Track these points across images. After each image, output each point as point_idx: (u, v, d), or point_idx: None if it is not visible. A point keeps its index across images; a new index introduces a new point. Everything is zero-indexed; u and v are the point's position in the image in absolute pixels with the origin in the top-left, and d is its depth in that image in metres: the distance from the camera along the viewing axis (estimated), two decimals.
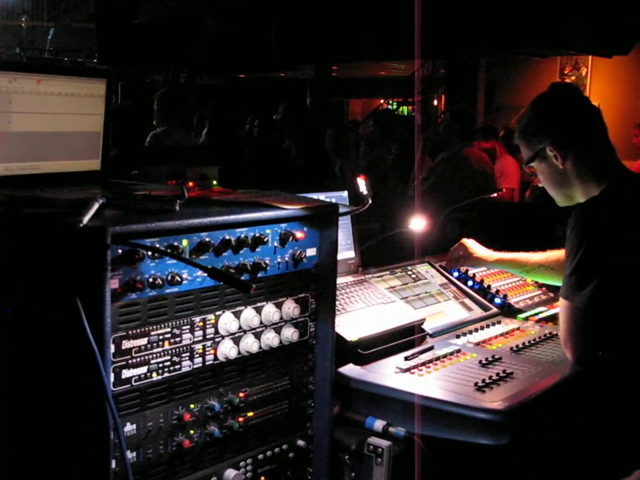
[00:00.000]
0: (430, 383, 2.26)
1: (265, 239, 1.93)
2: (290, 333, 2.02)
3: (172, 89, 11.95)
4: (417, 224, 3.17)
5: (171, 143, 5.73)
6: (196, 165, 2.52)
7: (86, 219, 1.55)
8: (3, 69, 1.94)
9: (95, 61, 14.20)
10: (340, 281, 2.61)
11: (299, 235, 2.00)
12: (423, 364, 2.37)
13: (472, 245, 3.04)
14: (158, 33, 14.16)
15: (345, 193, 2.90)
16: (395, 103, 16.31)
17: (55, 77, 2.04)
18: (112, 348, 1.62)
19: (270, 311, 1.96)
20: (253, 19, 12.74)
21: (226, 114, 7.19)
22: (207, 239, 1.79)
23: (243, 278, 1.88)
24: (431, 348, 2.53)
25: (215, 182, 2.42)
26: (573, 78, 12.21)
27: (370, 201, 2.27)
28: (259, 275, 1.93)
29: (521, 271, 3.05)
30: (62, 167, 2.13)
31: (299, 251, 2.02)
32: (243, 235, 1.87)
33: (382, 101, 16.73)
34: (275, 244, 1.97)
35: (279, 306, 1.99)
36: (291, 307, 2.01)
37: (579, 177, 2.50)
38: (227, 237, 1.83)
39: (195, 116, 8.39)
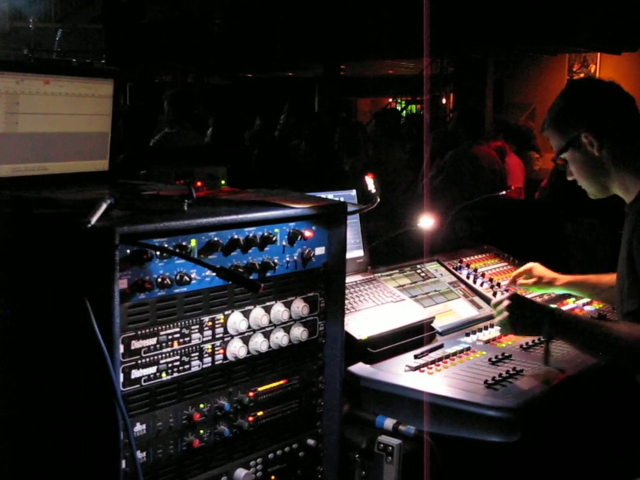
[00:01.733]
0: (440, 381, 2.25)
1: (274, 238, 1.93)
2: (299, 332, 2.01)
3: (182, 89, 11.96)
4: (426, 222, 3.16)
5: (180, 143, 5.73)
6: (204, 164, 2.52)
7: (94, 220, 1.55)
8: (10, 69, 1.95)
9: (102, 61, 14.23)
10: (349, 279, 2.61)
11: (307, 234, 2.00)
12: (433, 362, 2.37)
13: (539, 269, 2.94)
14: (165, 33, 14.17)
15: (354, 192, 2.89)
16: (403, 102, 16.29)
17: (62, 78, 2.05)
18: (121, 348, 1.62)
19: (279, 310, 1.96)
20: (261, 19, 12.74)
21: (233, 113, 7.19)
22: (216, 239, 1.79)
23: (251, 277, 1.88)
24: (441, 346, 2.52)
25: (223, 182, 2.42)
26: (582, 75, 12.15)
27: (378, 200, 2.26)
28: (268, 274, 1.93)
29: (591, 294, 2.94)
30: (70, 168, 2.13)
31: (307, 250, 2.02)
32: (251, 235, 1.87)
33: (390, 100, 16.71)
34: (284, 243, 1.97)
35: (288, 305, 1.99)
36: (300, 306, 2.01)
37: (615, 165, 2.42)
38: (236, 237, 1.83)
39: (203, 116, 8.39)
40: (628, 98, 2.51)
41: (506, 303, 2.37)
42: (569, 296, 3.18)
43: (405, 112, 14.48)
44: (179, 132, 5.89)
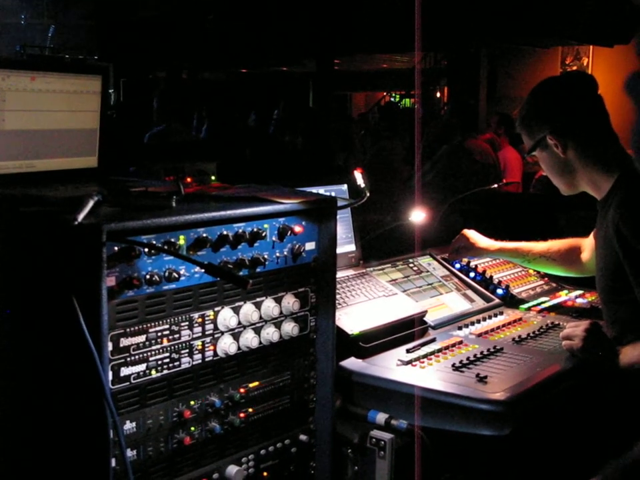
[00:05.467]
0: (432, 375, 2.25)
1: (263, 234, 1.92)
2: (290, 328, 2.01)
3: (170, 86, 11.92)
4: (418, 216, 3.15)
5: (172, 139, 5.72)
6: (194, 160, 2.51)
7: (80, 217, 1.55)
8: None
9: (96, 57, 14.16)
10: (341, 274, 2.61)
11: (297, 229, 1.99)
12: (425, 356, 2.37)
13: (473, 235, 3.03)
14: (159, 28, 14.12)
15: (345, 186, 2.88)
16: (397, 96, 16.29)
17: (49, 74, 2.03)
18: (110, 346, 1.61)
19: (269, 306, 1.95)
20: (253, 14, 12.71)
21: (227, 109, 7.18)
22: (204, 235, 1.78)
23: (241, 273, 1.88)
24: (433, 340, 2.52)
25: (213, 177, 2.41)
26: (575, 68, 12.15)
27: (367, 194, 2.26)
28: (258, 269, 1.92)
29: (523, 261, 3.05)
30: (58, 165, 2.12)
31: (297, 245, 2.01)
32: (240, 230, 1.86)
33: (385, 94, 16.69)
34: (273, 238, 1.96)
35: (278, 301, 1.98)
36: (290, 302, 2.01)
37: (583, 166, 2.47)
38: (225, 233, 1.83)
39: (196, 112, 8.38)
40: (594, 96, 2.53)
41: (583, 328, 2.37)
42: (562, 288, 3.19)
43: (400, 105, 14.49)
44: (170, 128, 5.87)
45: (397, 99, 15.58)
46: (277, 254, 1.97)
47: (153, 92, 6.41)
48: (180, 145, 5.39)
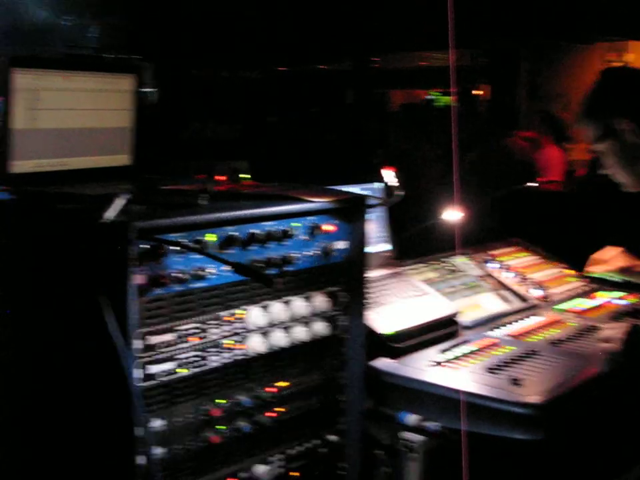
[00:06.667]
0: (465, 376, 2.21)
1: (294, 232, 1.91)
2: (320, 327, 2.00)
3: (213, 83, 11.98)
4: (454, 215, 3.11)
5: (204, 136, 5.75)
6: (229, 158, 2.52)
7: (110, 214, 1.55)
8: (30, 66, 1.95)
9: (137, 57, 14.32)
10: (374, 273, 2.58)
11: (327, 227, 1.98)
12: (458, 357, 2.33)
13: (617, 254, 2.87)
14: (200, 26, 14.21)
15: (380, 185, 2.86)
16: (437, 94, 16.18)
17: (82, 73, 2.05)
18: (138, 343, 1.61)
19: (299, 305, 1.94)
20: (293, 12, 12.73)
21: (263, 107, 7.20)
22: (234, 233, 1.78)
23: (271, 272, 1.87)
24: (467, 341, 2.48)
25: (246, 175, 2.40)
26: (617, 64, 11.97)
27: (402, 193, 2.24)
28: (288, 268, 1.91)
29: None
30: (91, 163, 2.13)
31: (328, 244, 2.00)
32: (270, 229, 1.86)
33: (424, 92, 16.58)
34: (304, 237, 1.95)
35: (308, 299, 1.97)
36: (321, 301, 1.99)
37: None
38: (254, 231, 1.82)
39: (234, 109, 8.41)
40: None
41: (622, 331, 2.32)
42: (599, 289, 3.12)
43: (437, 104, 14.39)
44: (208, 126, 5.90)
45: (437, 97, 15.47)
46: (308, 252, 1.96)
47: (194, 89, 6.44)
48: (214, 142, 5.41)
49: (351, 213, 2.03)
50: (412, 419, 2.10)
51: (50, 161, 2.04)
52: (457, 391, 2.10)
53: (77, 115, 2.07)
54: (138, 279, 1.59)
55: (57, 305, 1.68)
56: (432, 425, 2.07)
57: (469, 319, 2.67)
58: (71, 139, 2.07)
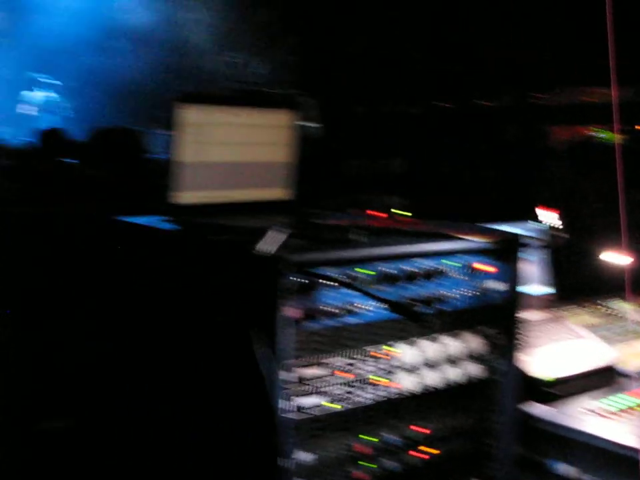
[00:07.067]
0: (627, 429, 2.09)
1: (447, 271, 1.88)
2: (473, 369, 1.95)
3: (368, 120, 12.08)
4: (620, 257, 2.97)
5: (365, 171, 5.79)
6: (386, 193, 2.52)
7: (267, 247, 1.58)
8: (197, 102, 2.03)
9: (298, 92, 14.65)
10: (531, 316, 2.50)
11: (483, 267, 1.94)
12: (620, 408, 2.21)
13: None
14: (363, 63, 14.41)
15: (538, 224, 2.77)
16: (602, 131, 15.61)
17: (244, 109, 2.11)
18: (286, 375, 1.63)
19: (452, 345, 1.90)
20: (454, 50, 12.70)
21: (426, 143, 7.18)
22: (387, 269, 1.77)
23: (422, 310, 1.84)
24: (628, 390, 2.35)
25: (404, 212, 2.40)
26: None
27: (566, 235, 2.16)
28: (441, 307, 1.88)
29: None
30: (251, 196, 2.19)
31: (482, 284, 1.95)
32: (423, 266, 1.83)
33: (587, 128, 16.03)
34: (458, 276, 1.91)
35: (461, 340, 1.93)
36: (474, 342, 1.95)
37: None
38: (406, 268, 1.80)
39: (392, 145, 8.44)
40: None
41: None
42: None
43: (602, 140, 13.87)
44: (364, 162, 5.95)
45: (601, 134, 14.94)
46: (461, 292, 1.92)
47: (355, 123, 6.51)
48: (374, 178, 5.45)
49: (505, 252, 1.98)
50: (565, 469, 2.01)
51: (212, 194, 2.11)
52: (617, 445, 1.98)
53: (238, 149, 2.14)
54: (291, 312, 1.61)
55: (209, 335, 1.73)
56: (589, 478, 1.97)
57: (629, 367, 2.52)
58: (232, 173, 2.14)
